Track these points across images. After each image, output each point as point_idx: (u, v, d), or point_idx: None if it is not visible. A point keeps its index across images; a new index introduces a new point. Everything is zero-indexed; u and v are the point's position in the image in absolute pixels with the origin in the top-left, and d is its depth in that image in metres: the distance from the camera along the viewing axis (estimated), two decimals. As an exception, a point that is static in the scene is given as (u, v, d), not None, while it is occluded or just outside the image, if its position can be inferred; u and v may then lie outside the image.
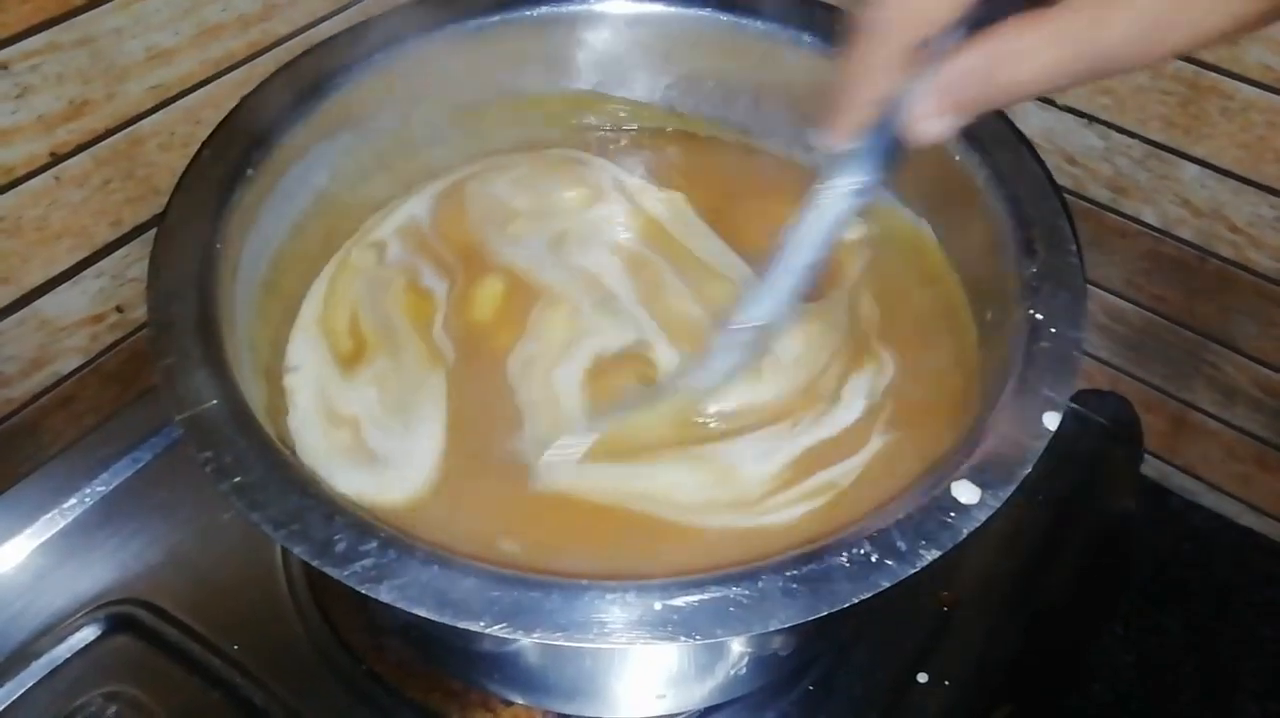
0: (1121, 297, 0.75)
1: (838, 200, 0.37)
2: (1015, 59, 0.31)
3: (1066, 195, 0.47)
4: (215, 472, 0.36)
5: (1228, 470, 0.79)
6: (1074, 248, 0.45)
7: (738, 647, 0.45)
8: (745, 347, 0.43)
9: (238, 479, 0.36)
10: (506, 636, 0.33)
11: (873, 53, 0.34)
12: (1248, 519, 0.80)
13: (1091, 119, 0.67)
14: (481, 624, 0.33)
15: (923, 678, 0.52)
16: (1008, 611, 0.56)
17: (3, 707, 0.50)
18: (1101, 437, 0.64)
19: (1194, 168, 0.66)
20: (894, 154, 0.35)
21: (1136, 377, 0.78)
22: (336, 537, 0.35)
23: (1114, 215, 0.71)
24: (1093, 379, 0.79)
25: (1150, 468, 0.81)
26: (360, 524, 0.35)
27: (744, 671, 0.47)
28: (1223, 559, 0.80)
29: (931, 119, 0.33)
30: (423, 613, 0.33)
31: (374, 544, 0.34)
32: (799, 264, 0.39)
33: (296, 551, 0.34)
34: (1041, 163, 0.49)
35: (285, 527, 0.35)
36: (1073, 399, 0.65)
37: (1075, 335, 0.41)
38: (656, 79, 0.59)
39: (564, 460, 0.44)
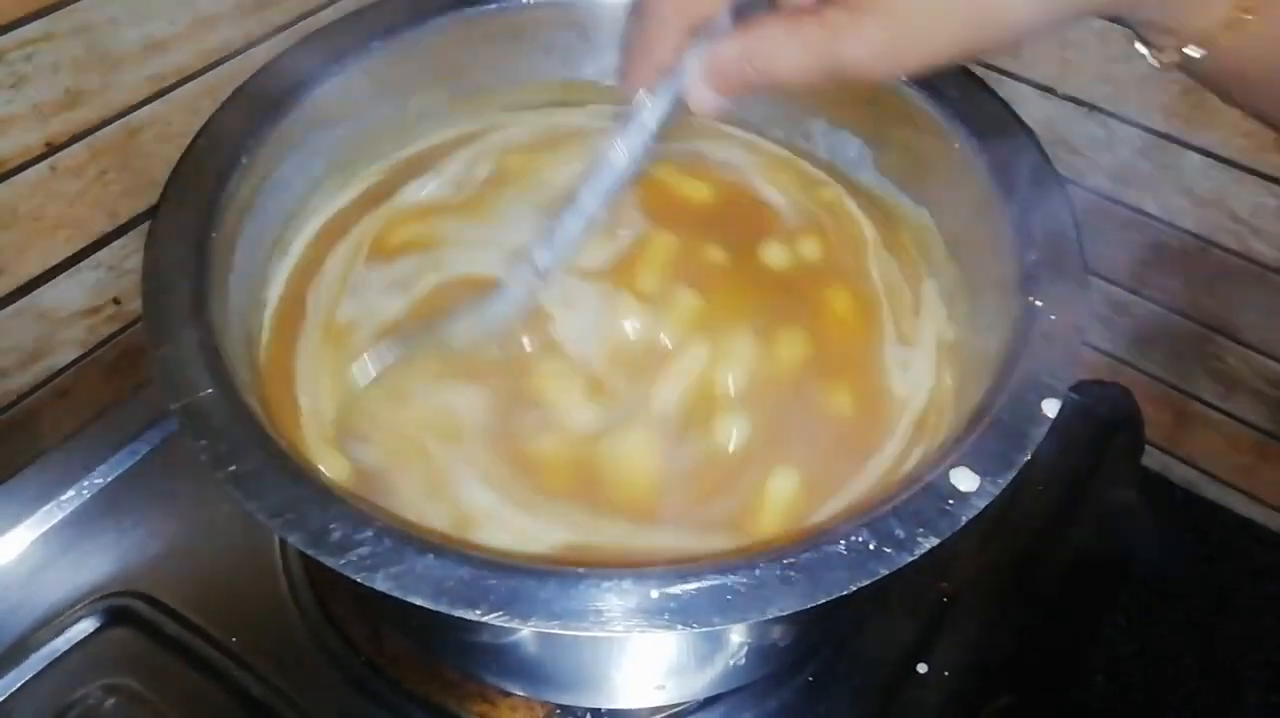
0: (1123, 287, 0.74)
1: (623, 153, 0.40)
2: (769, 56, 0.34)
3: (1067, 186, 0.48)
4: (211, 460, 0.36)
5: (1229, 462, 0.79)
6: (1074, 235, 0.44)
7: (737, 637, 0.45)
8: (530, 286, 0.45)
9: (233, 468, 0.36)
10: (503, 624, 0.32)
11: (652, 29, 0.38)
12: (1249, 511, 0.80)
13: (1092, 108, 0.67)
14: (478, 613, 0.32)
15: (922, 669, 0.52)
16: (1007, 602, 0.56)
17: (1, 699, 0.50)
18: (1102, 428, 0.64)
19: (1196, 157, 0.65)
20: (674, 115, 0.39)
21: (1138, 368, 0.78)
22: (332, 526, 0.34)
23: (1115, 205, 0.70)
24: (1094, 370, 0.79)
25: (1152, 459, 0.81)
26: (356, 513, 0.35)
27: (743, 661, 0.47)
28: (1224, 551, 0.79)
29: (702, 93, 0.36)
30: (419, 602, 0.33)
31: (370, 533, 0.34)
32: (588, 210, 0.42)
33: (292, 539, 0.34)
34: (1042, 150, 0.49)
35: (281, 515, 0.35)
36: (1074, 390, 0.65)
37: (1075, 322, 0.41)
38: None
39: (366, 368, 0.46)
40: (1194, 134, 0.64)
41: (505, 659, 0.46)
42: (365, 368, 0.46)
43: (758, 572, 0.34)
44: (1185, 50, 0.34)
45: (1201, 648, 0.75)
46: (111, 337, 0.62)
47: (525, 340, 0.48)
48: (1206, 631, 0.76)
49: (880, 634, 0.53)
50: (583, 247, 0.44)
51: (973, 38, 0.32)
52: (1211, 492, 0.81)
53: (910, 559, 0.34)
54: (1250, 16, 0.33)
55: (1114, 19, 0.35)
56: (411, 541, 0.34)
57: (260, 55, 0.60)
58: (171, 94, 0.58)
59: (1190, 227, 0.68)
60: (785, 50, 0.34)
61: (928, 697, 0.51)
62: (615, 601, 0.33)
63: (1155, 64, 0.36)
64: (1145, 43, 0.36)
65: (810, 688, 0.51)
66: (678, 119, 0.39)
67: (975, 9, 0.32)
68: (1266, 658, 0.74)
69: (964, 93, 0.51)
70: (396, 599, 0.33)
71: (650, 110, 0.39)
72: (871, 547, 0.34)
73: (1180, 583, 0.78)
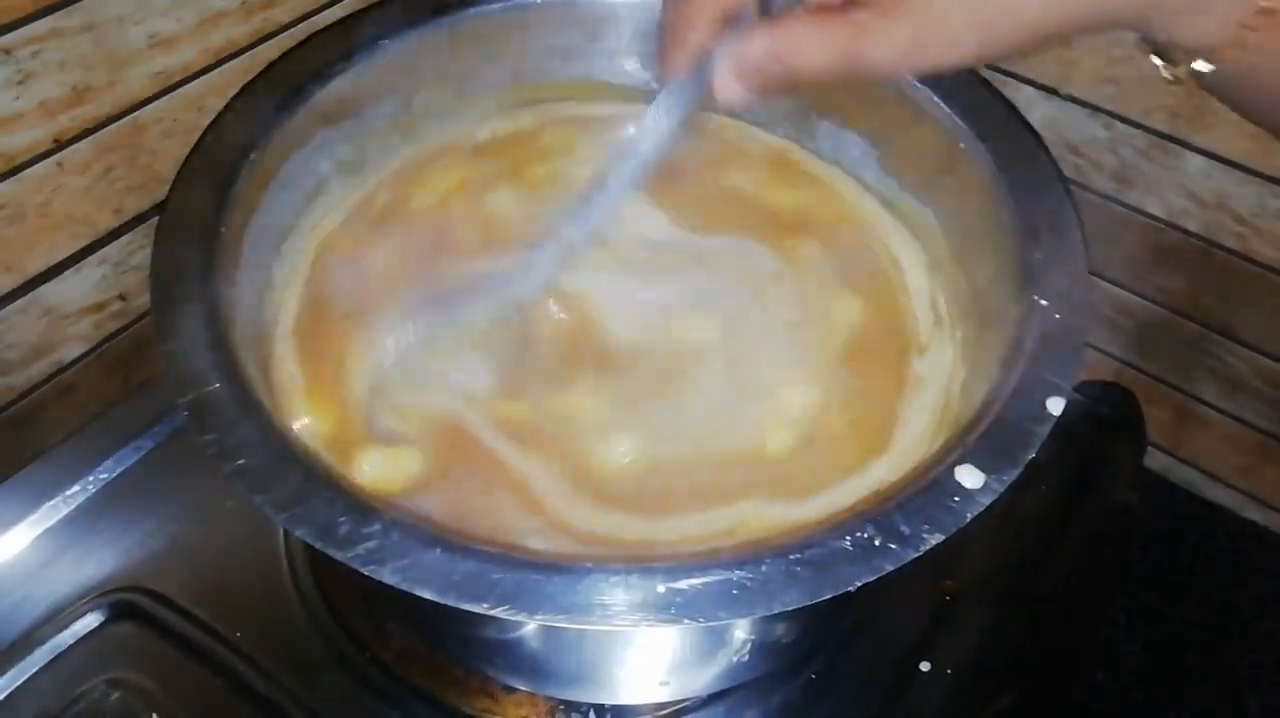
0: (1125, 288, 0.74)
1: (649, 139, 0.40)
2: (793, 52, 0.34)
3: (1070, 187, 0.48)
4: (218, 454, 0.36)
5: (1231, 463, 0.79)
6: (1078, 234, 0.45)
7: (740, 634, 0.45)
8: (559, 260, 0.46)
9: (241, 462, 0.36)
10: (509, 617, 0.33)
11: (686, 18, 0.38)
12: (1251, 512, 0.80)
13: (1095, 109, 0.67)
14: (485, 606, 0.33)
15: (925, 667, 0.52)
16: (1010, 600, 0.56)
17: (6, 693, 0.50)
18: (1104, 428, 0.64)
19: (1198, 158, 0.65)
20: (699, 104, 0.39)
21: (1140, 368, 0.78)
22: (340, 519, 0.35)
23: (1118, 207, 0.71)
24: (1096, 371, 0.79)
25: (1153, 460, 0.81)
26: (363, 507, 0.35)
27: (747, 658, 0.47)
28: (1225, 551, 0.79)
29: (729, 85, 0.37)
30: (426, 595, 0.33)
31: (377, 527, 0.34)
32: (613, 192, 0.42)
33: (299, 533, 0.34)
34: (1046, 150, 0.49)
35: (288, 509, 0.35)
36: (1076, 390, 0.65)
37: (1079, 321, 0.41)
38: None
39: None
40: (1197, 135, 0.65)
41: (510, 655, 0.46)
42: (395, 342, 0.47)
43: (764, 567, 0.34)
44: (1194, 65, 0.35)
45: (1203, 649, 0.75)
46: (117, 333, 0.62)
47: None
48: (1208, 631, 0.76)
49: (884, 632, 0.53)
50: (606, 226, 0.45)
51: (993, 40, 0.33)
52: (1213, 492, 0.81)
53: (915, 556, 0.34)
54: (1256, 34, 0.33)
55: (1130, 29, 0.36)
56: (418, 534, 0.34)
57: (266, 53, 0.60)
58: (177, 91, 0.58)
59: (1193, 228, 0.69)
60: (811, 47, 0.34)
61: (931, 695, 0.51)
62: (621, 594, 0.33)
63: (1168, 76, 0.36)
64: (1158, 55, 0.37)
65: (814, 685, 0.51)
66: (703, 108, 0.39)
67: (996, 12, 0.33)
68: (1268, 659, 0.75)
69: (969, 93, 0.51)
70: (403, 593, 0.33)
71: (677, 98, 0.39)
72: (877, 543, 0.34)
73: (1181, 583, 0.78)
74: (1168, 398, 0.78)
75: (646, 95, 0.44)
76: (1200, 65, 0.35)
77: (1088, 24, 0.34)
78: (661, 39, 0.39)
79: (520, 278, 0.46)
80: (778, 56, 0.35)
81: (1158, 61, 0.37)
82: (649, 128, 0.40)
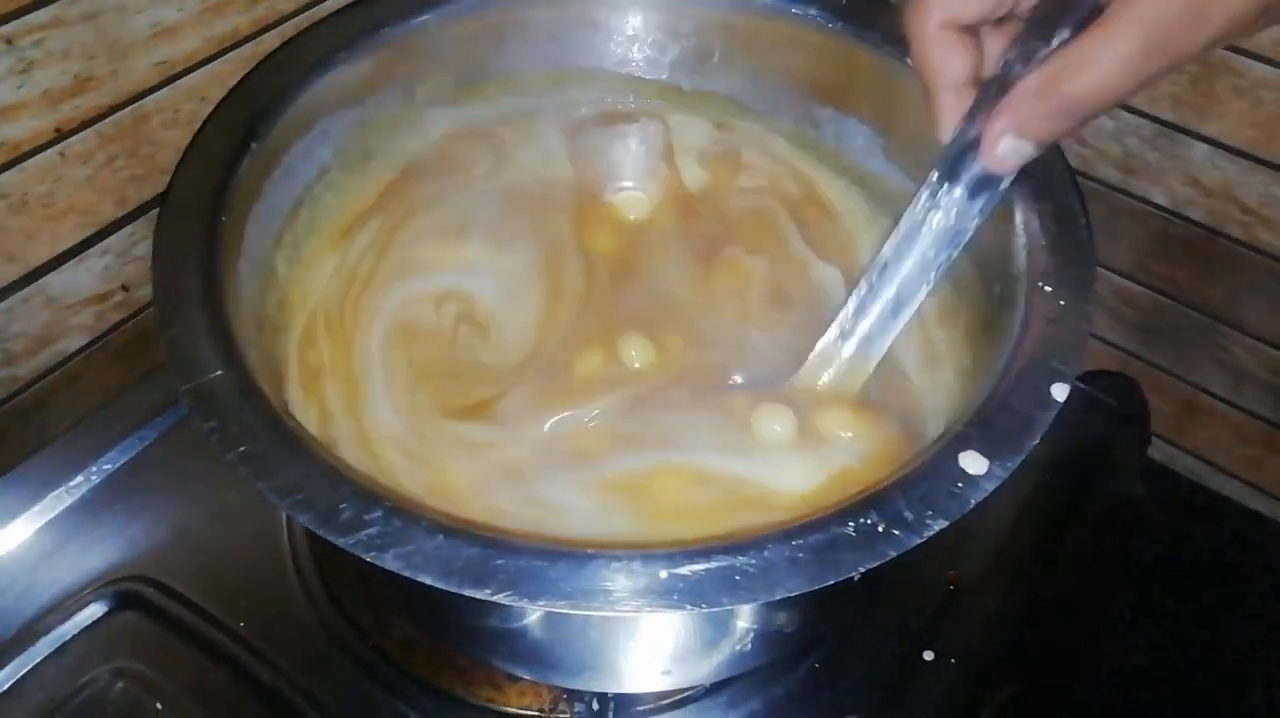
0: (1130, 278, 0.74)
1: (923, 226, 0.39)
2: (1078, 66, 0.32)
3: (1076, 176, 0.48)
4: (220, 441, 0.36)
5: (1236, 454, 0.78)
6: (1083, 221, 0.44)
7: (743, 623, 0.45)
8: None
9: (243, 448, 0.36)
10: (512, 603, 0.32)
11: (924, 35, 0.36)
12: (1256, 503, 0.80)
13: (1101, 98, 0.67)
14: (487, 592, 0.33)
15: (929, 656, 0.52)
16: (1014, 591, 0.56)
17: (10, 683, 0.50)
18: (1109, 419, 0.63)
19: (1204, 147, 0.65)
20: (982, 180, 0.38)
21: (1145, 359, 0.78)
22: (342, 505, 0.34)
23: (1123, 196, 0.70)
24: (1101, 361, 0.79)
25: (1158, 451, 0.81)
26: (365, 493, 0.35)
27: (749, 647, 0.47)
28: (1231, 543, 0.79)
29: (1003, 139, 0.34)
30: (428, 581, 0.33)
31: (379, 513, 0.34)
32: (887, 298, 0.41)
33: (301, 519, 0.34)
34: (1051, 138, 0.48)
35: (290, 495, 0.35)
36: (1080, 381, 0.65)
37: (1084, 308, 0.41)
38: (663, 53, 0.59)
39: None
40: (1202, 124, 0.64)
41: (512, 643, 0.46)
42: None
43: (766, 553, 0.34)
44: None
45: (1207, 642, 0.75)
46: (120, 323, 0.62)
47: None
48: (1212, 624, 0.76)
49: (887, 622, 0.53)
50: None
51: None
52: (1218, 484, 0.81)
53: (919, 541, 0.34)
54: None
55: None
56: (421, 520, 0.34)
57: (269, 42, 0.60)
58: (180, 81, 0.58)
59: (1198, 217, 0.68)
60: (1094, 52, 0.32)
61: (934, 685, 0.51)
62: (624, 581, 0.33)
63: None
64: None
65: (816, 674, 0.51)
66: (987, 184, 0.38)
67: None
68: (1273, 653, 0.74)
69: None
70: (405, 581, 0.33)
71: (959, 168, 0.38)
72: (880, 529, 0.34)
73: (1186, 576, 0.78)
74: (1173, 388, 0.78)
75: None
76: None
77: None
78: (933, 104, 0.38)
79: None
80: (1063, 77, 0.32)
81: None
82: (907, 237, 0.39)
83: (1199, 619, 0.76)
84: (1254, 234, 0.67)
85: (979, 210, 0.39)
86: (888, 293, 0.42)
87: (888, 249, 0.41)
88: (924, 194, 0.39)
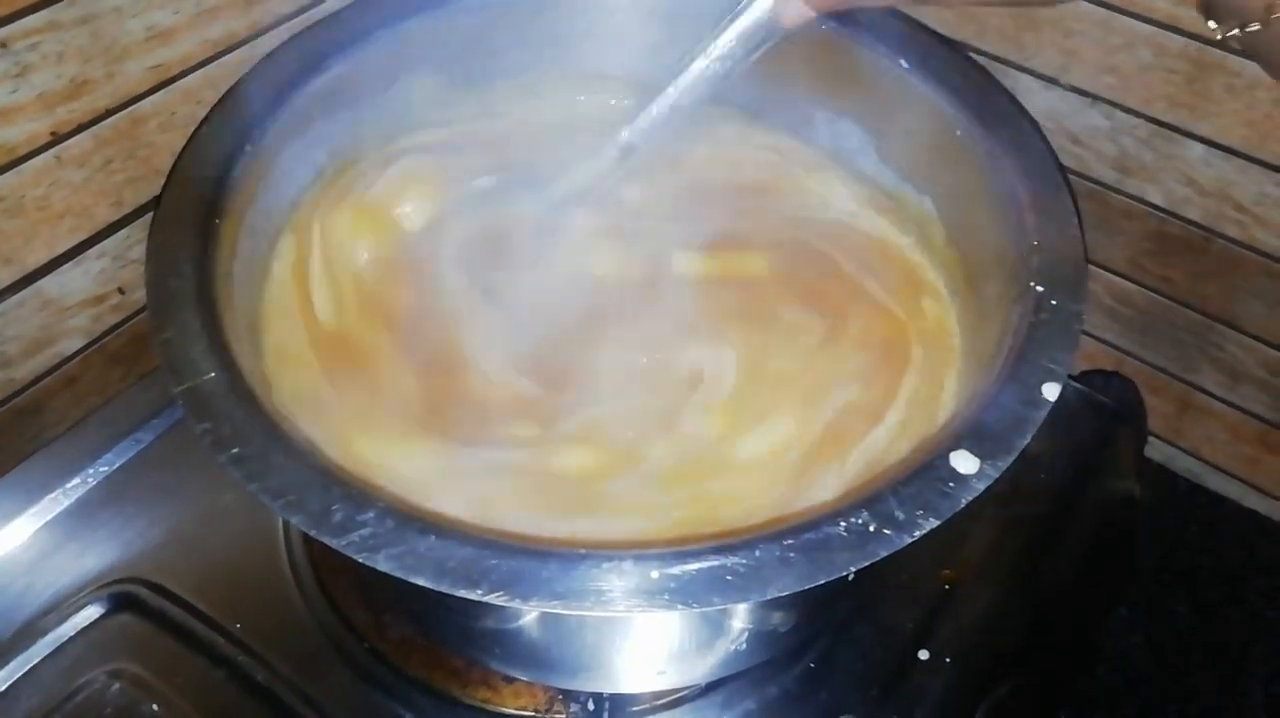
0: (1126, 278, 0.74)
1: (713, 50, 0.44)
2: None
3: (1070, 176, 0.48)
4: (213, 443, 0.36)
5: (1233, 453, 0.78)
6: (1075, 220, 0.44)
7: (738, 622, 0.45)
8: (619, 160, 0.49)
9: (236, 450, 0.36)
10: (504, 603, 0.33)
11: None
12: (1253, 502, 0.80)
13: (1095, 98, 0.66)
14: (479, 592, 0.33)
15: (924, 655, 0.52)
16: (1010, 590, 0.56)
17: (7, 684, 0.50)
18: (1105, 418, 0.64)
19: (1199, 147, 0.65)
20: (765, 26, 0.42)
21: (1141, 358, 0.78)
22: (334, 507, 0.35)
23: (1118, 196, 0.70)
24: (1097, 361, 0.79)
25: (1155, 450, 0.81)
26: (358, 494, 0.35)
27: (744, 646, 0.47)
28: (1228, 542, 0.79)
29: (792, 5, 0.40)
30: (421, 582, 0.33)
31: (371, 514, 0.34)
32: (673, 98, 0.46)
33: (294, 520, 0.34)
34: (1044, 137, 0.49)
35: (283, 497, 0.35)
36: (1077, 380, 0.65)
37: (1076, 307, 0.41)
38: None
39: None
40: (1197, 123, 0.64)
41: (508, 644, 0.46)
42: None
43: (757, 552, 0.34)
44: (1247, 29, 0.35)
45: (1205, 639, 0.75)
46: (116, 326, 0.62)
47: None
48: (1210, 622, 0.76)
49: (882, 620, 0.53)
50: (665, 134, 0.48)
51: None
52: (1214, 483, 0.81)
53: (909, 541, 0.34)
54: None
55: None
56: (413, 521, 0.34)
57: (264, 45, 0.60)
58: (175, 84, 0.58)
59: (1193, 216, 0.68)
60: None
61: (930, 683, 0.51)
62: (616, 581, 0.33)
63: (1216, 36, 0.36)
64: (1206, 12, 0.37)
65: (812, 674, 0.51)
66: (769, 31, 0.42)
67: None
68: (1270, 650, 0.74)
69: (967, 81, 0.51)
70: (399, 582, 0.33)
71: (745, 14, 0.42)
72: (871, 528, 0.34)
73: (1183, 574, 0.78)
74: (1169, 388, 0.78)
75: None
76: (1251, 26, 0.35)
77: None
78: None
79: (580, 175, 0.49)
80: None
81: (1212, 25, 0.37)
82: (711, 42, 0.43)
83: (1198, 617, 0.76)
84: (1250, 233, 0.67)
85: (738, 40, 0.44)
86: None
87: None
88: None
